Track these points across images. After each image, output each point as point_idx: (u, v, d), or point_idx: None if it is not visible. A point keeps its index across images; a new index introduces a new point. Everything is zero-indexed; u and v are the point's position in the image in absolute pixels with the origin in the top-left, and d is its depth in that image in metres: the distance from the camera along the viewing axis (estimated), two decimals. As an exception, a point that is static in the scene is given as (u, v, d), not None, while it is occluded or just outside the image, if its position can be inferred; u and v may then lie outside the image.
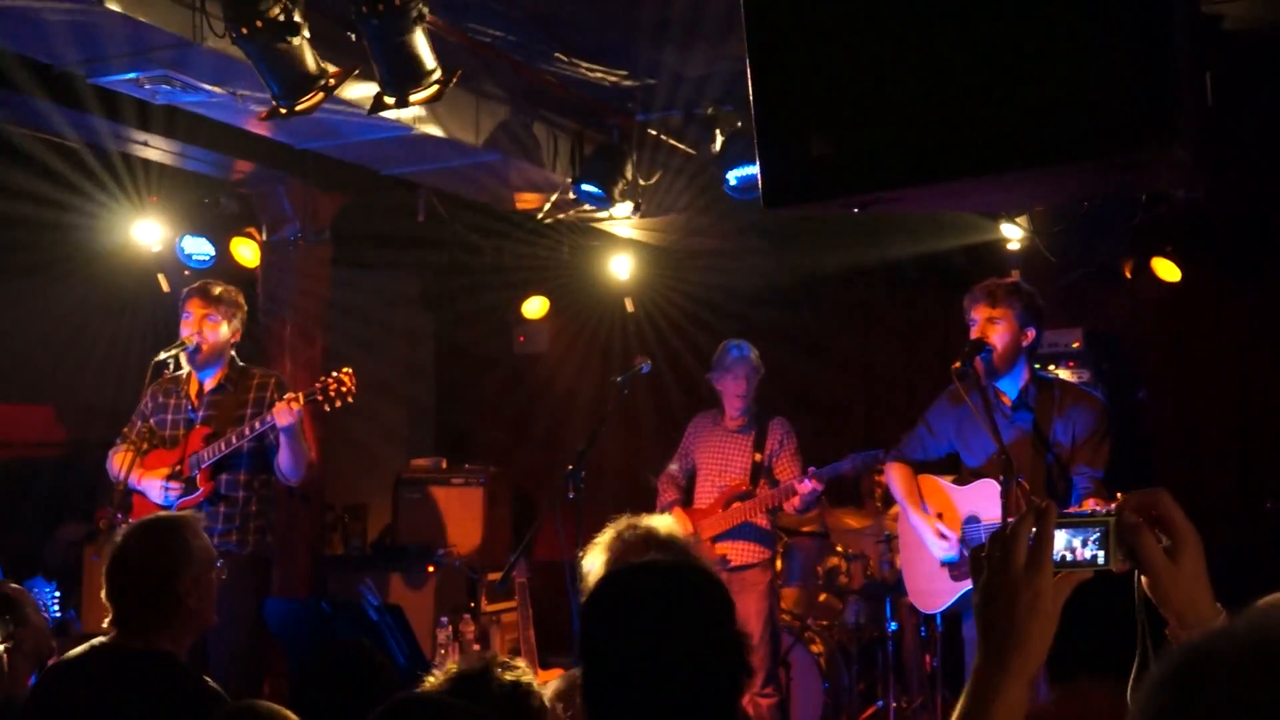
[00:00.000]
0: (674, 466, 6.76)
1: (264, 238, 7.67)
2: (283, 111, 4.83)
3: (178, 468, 5.54)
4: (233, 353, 5.78)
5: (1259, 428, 8.16)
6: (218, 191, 7.51)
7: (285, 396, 5.42)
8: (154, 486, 5.55)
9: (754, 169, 5.90)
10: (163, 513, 5.17)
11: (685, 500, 6.67)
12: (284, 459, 5.51)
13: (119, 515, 5.34)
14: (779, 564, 7.15)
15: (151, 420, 5.75)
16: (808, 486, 6.22)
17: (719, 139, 6.40)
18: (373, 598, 4.96)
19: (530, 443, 10.19)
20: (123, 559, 3.40)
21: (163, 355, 5.58)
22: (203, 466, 5.52)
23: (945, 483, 5.38)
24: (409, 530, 8.80)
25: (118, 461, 5.64)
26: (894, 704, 6.88)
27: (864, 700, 7.28)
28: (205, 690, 3.33)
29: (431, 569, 7.98)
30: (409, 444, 10.40)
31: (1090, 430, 5.04)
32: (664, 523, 3.59)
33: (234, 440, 5.47)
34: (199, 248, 7.68)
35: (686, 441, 6.76)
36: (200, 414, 5.66)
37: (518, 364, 10.69)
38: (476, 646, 7.11)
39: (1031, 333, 5.13)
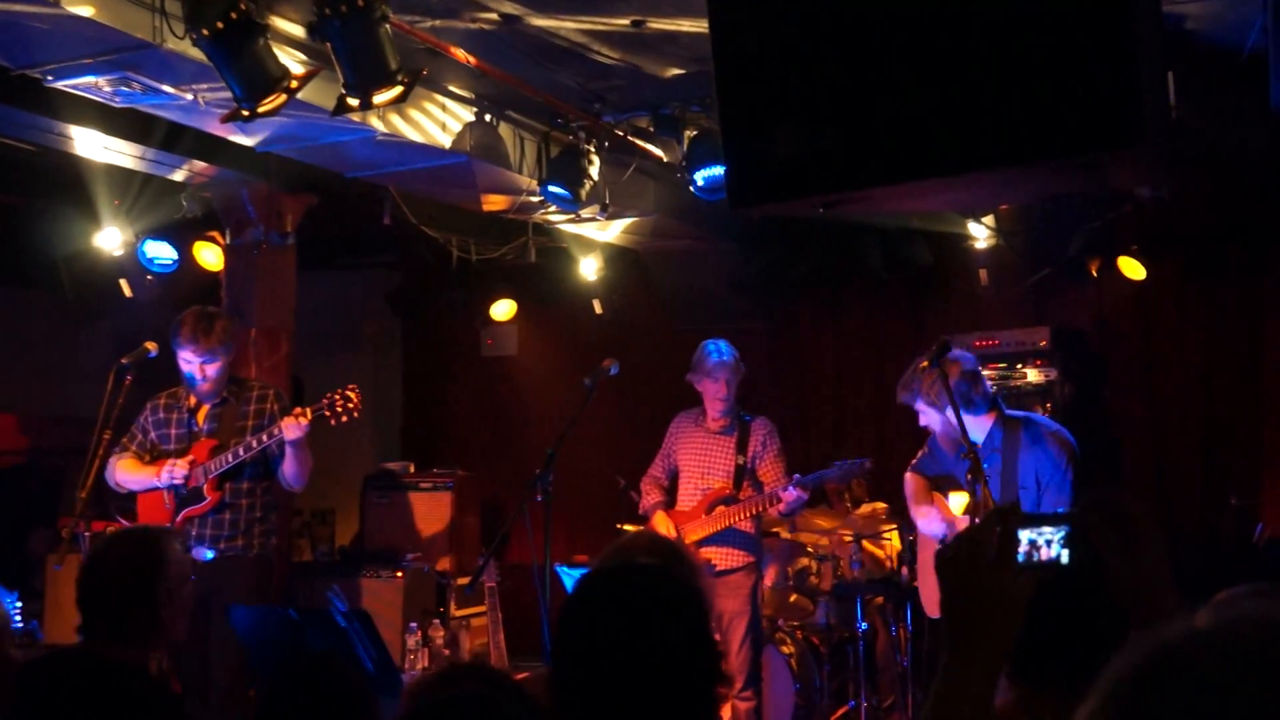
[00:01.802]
0: (656, 468, 6.73)
1: (227, 241, 7.62)
2: (245, 114, 4.81)
3: (191, 464, 5.66)
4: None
5: (1224, 425, 8.23)
6: (179, 195, 7.46)
7: (294, 411, 5.57)
8: (169, 470, 5.64)
9: (721, 170, 5.93)
10: (141, 523, 5.22)
11: (668, 502, 6.64)
12: (289, 469, 5.68)
13: (81, 524, 5.32)
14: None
15: (153, 434, 5.86)
16: (792, 495, 6.19)
17: (686, 140, 6.41)
18: (340, 604, 4.93)
19: (499, 446, 10.18)
20: (98, 566, 3.36)
21: (125, 361, 5.58)
22: (209, 477, 5.65)
23: (952, 503, 5.54)
24: (377, 535, 8.77)
25: (121, 468, 5.75)
26: (865, 704, 6.90)
27: (835, 701, 7.29)
28: (173, 702, 3.30)
29: (400, 574, 7.95)
30: (376, 448, 10.37)
31: (1051, 472, 5.12)
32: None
33: (240, 453, 5.62)
34: (161, 252, 7.63)
35: (669, 442, 6.72)
36: (205, 427, 5.79)
37: (486, 367, 10.68)
38: (446, 652, 7.09)
39: (948, 411, 5.14)
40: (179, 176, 7.16)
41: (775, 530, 7.75)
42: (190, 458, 5.67)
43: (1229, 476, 8.07)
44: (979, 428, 5.25)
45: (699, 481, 6.50)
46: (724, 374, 6.42)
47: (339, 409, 5.64)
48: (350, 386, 5.70)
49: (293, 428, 5.51)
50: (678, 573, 2.28)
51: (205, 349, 5.64)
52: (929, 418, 5.49)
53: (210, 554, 5.62)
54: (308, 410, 5.57)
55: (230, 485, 5.71)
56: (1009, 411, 5.38)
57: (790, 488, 6.18)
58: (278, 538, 6.01)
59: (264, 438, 5.58)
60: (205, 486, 5.66)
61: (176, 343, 5.68)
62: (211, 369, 5.69)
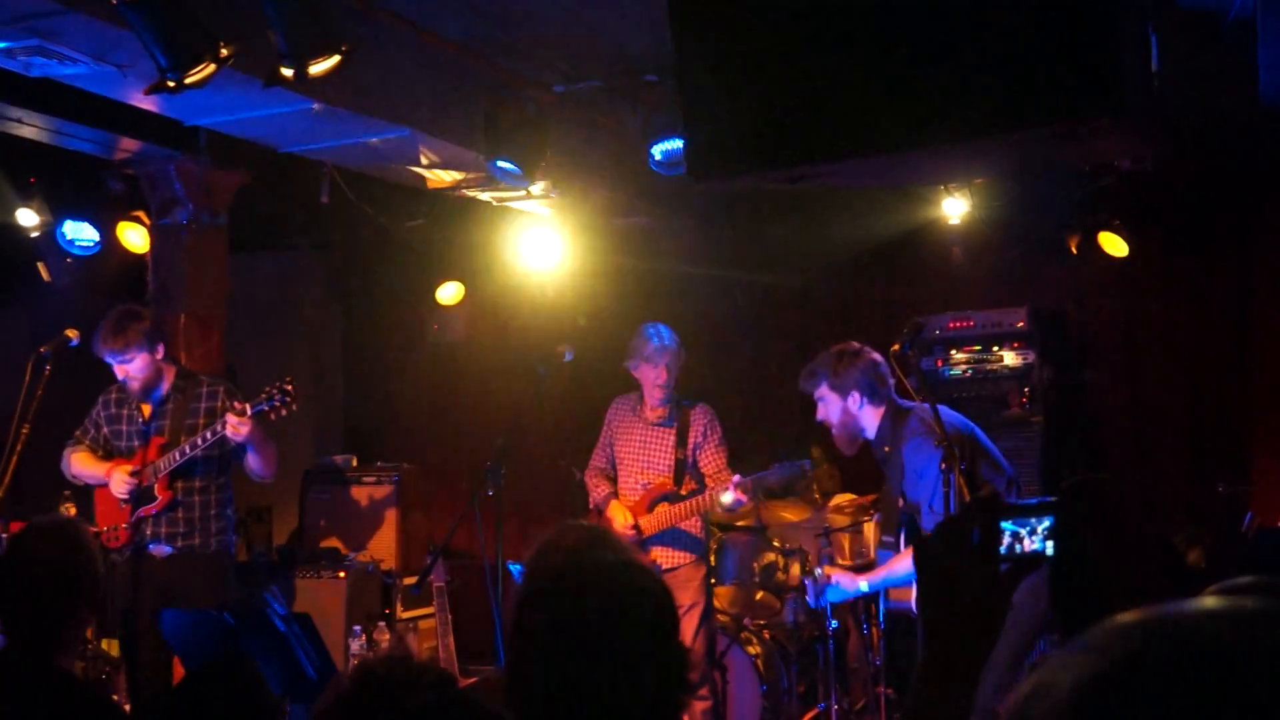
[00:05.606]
0: (599, 458, 6.76)
1: (153, 221, 7.54)
2: (171, 85, 4.75)
3: (137, 474, 5.83)
4: (172, 364, 6.01)
5: (1210, 407, 8.29)
6: (102, 172, 7.37)
7: (235, 407, 5.66)
8: (118, 480, 5.84)
9: (679, 143, 5.92)
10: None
11: (617, 492, 6.66)
12: (253, 462, 5.89)
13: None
14: (712, 560, 7.17)
15: (105, 430, 6.01)
16: (732, 498, 6.24)
17: (642, 112, 6.40)
18: (279, 606, 4.90)
19: (447, 437, 10.14)
20: (23, 562, 3.28)
21: (45, 350, 5.64)
22: (160, 475, 5.82)
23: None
24: (318, 533, 8.72)
25: (75, 461, 5.98)
26: (835, 705, 6.92)
27: (804, 702, 7.31)
28: (108, 708, 3.26)
29: (342, 574, 7.91)
30: (316, 441, 10.30)
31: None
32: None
33: (187, 450, 5.78)
34: (82, 233, 7.56)
35: (607, 430, 6.75)
36: (153, 424, 5.93)
37: (432, 354, 10.62)
38: (392, 656, 7.08)
39: (855, 397, 5.36)
40: (100, 152, 7.07)
41: (741, 524, 7.77)
42: (134, 466, 5.81)
43: (1216, 462, 8.13)
44: (872, 421, 5.37)
45: (639, 476, 6.54)
46: (665, 359, 6.42)
47: (278, 403, 5.70)
48: (287, 379, 5.76)
49: (234, 428, 5.61)
50: (640, 569, 2.28)
51: (114, 349, 5.76)
52: (828, 407, 5.48)
53: (169, 549, 5.83)
54: (246, 406, 5.65)
55: (182, 483, 5.88)
56: (900, 402, 5.45)
57: (730, 490, 6.21)
58: (233, 532, 6.24)
59: (207, 434, 5.72)
60: (156, 486, 5.82)
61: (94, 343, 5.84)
62: (131, 368, 5.80)
